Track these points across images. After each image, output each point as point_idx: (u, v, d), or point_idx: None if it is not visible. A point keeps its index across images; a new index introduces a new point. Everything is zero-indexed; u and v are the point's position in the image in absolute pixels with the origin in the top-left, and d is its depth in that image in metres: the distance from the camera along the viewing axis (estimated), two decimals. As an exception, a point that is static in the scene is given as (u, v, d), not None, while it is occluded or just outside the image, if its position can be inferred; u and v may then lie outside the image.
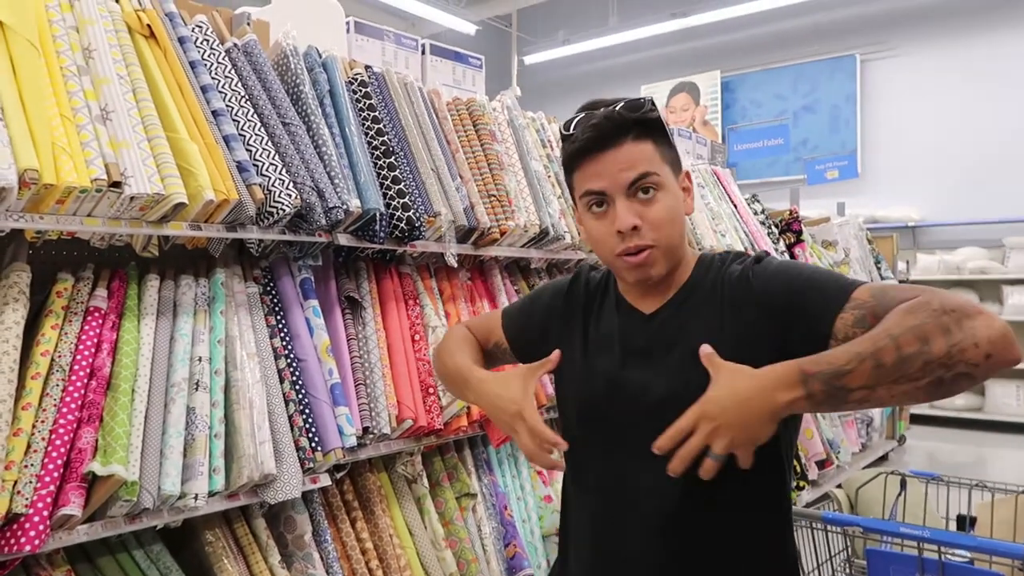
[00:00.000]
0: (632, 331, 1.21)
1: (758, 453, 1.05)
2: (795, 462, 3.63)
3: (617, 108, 1.13)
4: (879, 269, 5.51)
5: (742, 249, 3.66)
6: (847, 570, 1.77)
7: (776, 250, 4.07)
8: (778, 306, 1.09)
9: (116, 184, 1.51)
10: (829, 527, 1.67)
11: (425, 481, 2.28)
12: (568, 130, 1.17)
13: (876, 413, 5.17)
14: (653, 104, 1.16)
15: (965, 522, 1.98)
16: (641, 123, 1.14)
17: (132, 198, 1.53)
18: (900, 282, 6.16)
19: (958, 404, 6.97)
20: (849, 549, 1.76)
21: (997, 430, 6.66)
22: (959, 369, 0.91)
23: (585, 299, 1.31)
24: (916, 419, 6.63)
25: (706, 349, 1.06)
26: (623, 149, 1.13)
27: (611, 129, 1.13)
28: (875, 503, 1.96)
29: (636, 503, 1.15)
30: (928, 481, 2.00)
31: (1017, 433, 6.55)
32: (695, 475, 1.05)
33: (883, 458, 5.28)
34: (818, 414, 4.08)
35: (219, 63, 1.90)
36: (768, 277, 1.12)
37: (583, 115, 1.17)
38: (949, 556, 1.49)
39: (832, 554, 1.76)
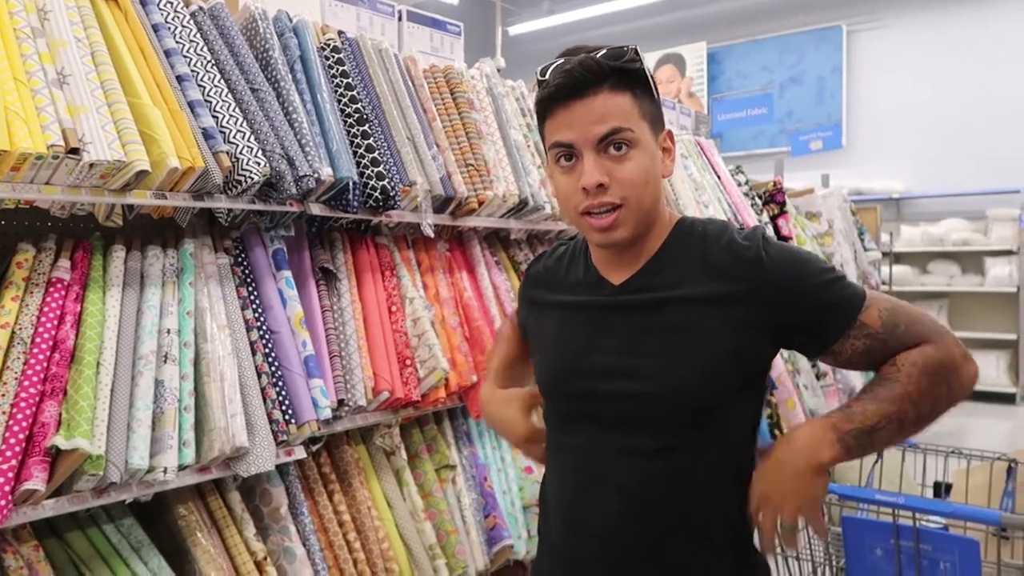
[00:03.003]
0: (599, 303, 1.16)
1: (726, 426, 1.11)
2: (777, 431, 3.65)
3: (597, 55, 1.05)
4: (862, 241, 5.51)
5: (725, 220, 3.64)
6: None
7: (760, 221, 4.06)
8: (784, 305, 1.07)
9: (74, 151, 1.45)
10: (805, 495, 1.66)
11: (404, 453, 2.26)
12: (543, 75, 1.08)
13: (857, 382, 5.20)
14: (637, 53, 1.07)
15: (941, 489, 1.99)
16: (621, 72, 1.05)
17: (92, 165, 1.48)
18: (884, 254, 6.18)
19: (939, 374, 7.03)
20: (825, 517, 1.76)
21: (977, 399, 6.74)
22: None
23: (547, 276, 1.29)
24: (898, 390, 6.68)
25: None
26: (597, 99, 1.04)
27: (585, 77, 1.04)
28: (851, 470, 1.97)
29: (603, 475, 1.13)
30: (905, 448, 2.01)
31: (995, 403, 6.63)
32: (662, 446, 1.09)
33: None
34: (800, 383, 4.10)
35: (183, 27, 1.84)
36: (781, 271, 1.07)
37: (560, 61, 1.08)
38: (924, 522, 1.49)
39: (807, 522, 1.76)
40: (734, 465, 1.14)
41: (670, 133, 1.14)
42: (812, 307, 1.07)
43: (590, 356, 1.14)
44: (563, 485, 1.20)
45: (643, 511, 1.11)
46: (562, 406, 1.20)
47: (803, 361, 4.19)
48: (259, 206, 1.85)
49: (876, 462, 1.94)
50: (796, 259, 1.08)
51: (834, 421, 1.04)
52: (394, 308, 2.22)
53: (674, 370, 1.07)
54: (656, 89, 1.12)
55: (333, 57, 2.18)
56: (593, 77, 1.04)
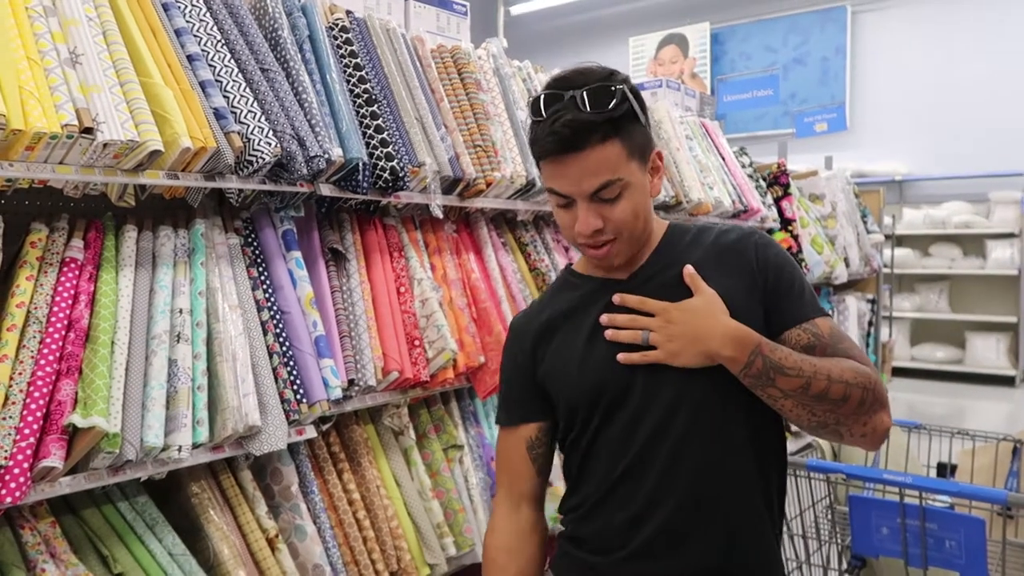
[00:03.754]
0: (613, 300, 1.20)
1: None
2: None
3: (583, 103, 1.07)
4: (865, 223, 5.51)
5: (730, 202, 3.64)
6: (829, 516, 1.80)
7: (764, 203, 4.06)
8: (761, 283, 1.16)
9: (88, 130, 1.46)
10: (812, 474, 1.68)
11: (412, 433, 2.28)
12: (536, 114, 1.11)
13: (859, 366, 5.22)
14: (623, 94, 1.09)
15: (946, 469, 2.01)
16: (607, 122, 1.08)
17: (105, 145, 1.48)
18: (886, 237, 6.19)
19: (939, 357, 7.07)
20: (832, 496, 1.78)
21: (977, 382, 6.78)
22: (841, 430, 1.10)
23: (541, 313, 1.29)
24: (898, 371, 6.73)
25: (689, 270, 1.15)
26: (587, 155, 1.08)
27: (574, 138, 1.07)
28: (858, 451, 1.98)
29: (650, 451, 1.15)
30: (910, 430, 2.03)
31: (996, 385, 6.66)
32: (716, 407, 1.13)
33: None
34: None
35: (193, 5, 1.83)
36: (768, 255, 1.18)
37: (547, 113, 1.09)
38: (930, 501, 1.51)
39: (815, 501, 1.79)
40: (773, 438, 1.19)
41: (659, 153, 1.19)
42: (785, 289, 1.16)
43: (624, 350, 1.16)
44: (616, 464, 1.18)
45: (708, 474, 1.13)
46: (608, 398, 1.19)
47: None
48: (270, 186, 1.85)
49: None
50: (785, 253, 1.21)
51: (764, 340, 1.09)
52: (402, 289, 2.23)
53: None
54: (644, 113, 1.14)
55: (341, 37, 2.18)
56: (582, 134, 1.07)
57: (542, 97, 1.11)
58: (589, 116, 1.06)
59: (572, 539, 1.25)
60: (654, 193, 1.19)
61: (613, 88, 1.08)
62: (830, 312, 4.97)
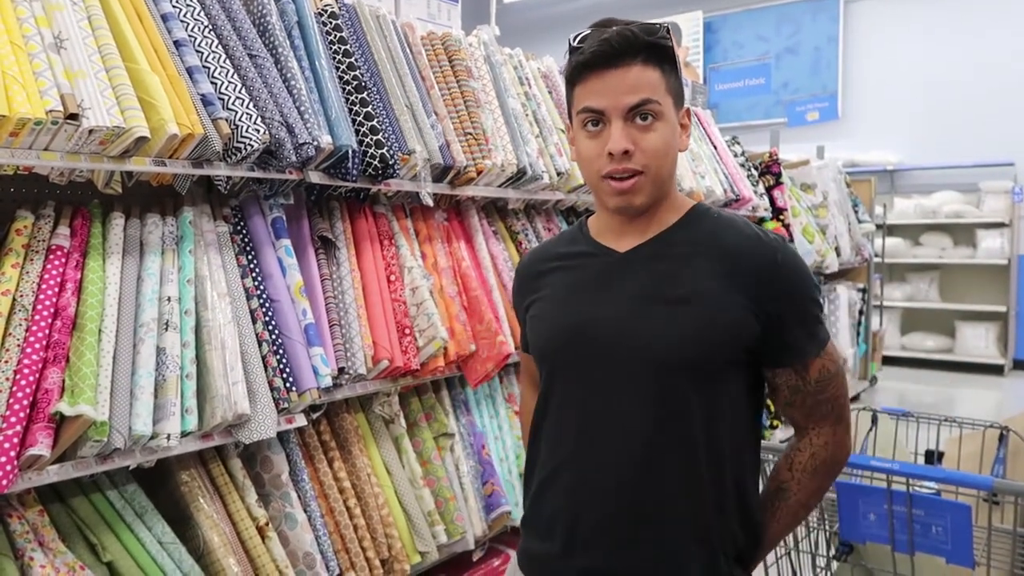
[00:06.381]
0: (605, 266, 1.18)
1: (723, 399, 1.12)
2: (769, 401, 3.70)
3: (631, 26, 1.10)
4: (856, 213, 5.53)
5: (721, 191, 3.64)
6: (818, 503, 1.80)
7: (756, 192, 4.06)
8: (776, 299, 1.10)
9: (73, 116, 1.44)
10: (801, 462, 1.68)
11: (403, 421, 2.28)
12: (577, 42, 1.12)
13: (849, 355, 5.26)
14: (668, 31, 1.12)
15: (933, 456, 2.02)
16: (653, 48, 1.09)
17: (91, 131, 1.47)
18: (877, 227, 6.20)
19: (929, 346, 7.10)
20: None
21: (966, 371, 6.82)
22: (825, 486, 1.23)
23: (544, 255, 1.29)
24: (888, 360, 6.77)
25: None
26: (630, 71, 1.08)
27: (622, 47, 1.08)
28: (846, 439, 1.99)
29: (604, 433, 1.13)
30: (898, 417, 2.04)
31: (985, 374, 6.70)
32: (660, 408, 1.10)
33: (855, 398, 5.39)
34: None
35: (180, -10, 1.81)
36: (788, 271, 1.11)
37: (595, 30, 1.12)
38: (917, 488, 1.52)
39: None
40: (731, 447, 1.14)
41: (688, 111, 1.18)
42: (793, 322, 1.11)
43: (595, 314, 1.15)
44: (562, 445, 1.18)
45: (641, 473, 1.11)
46: (563, 364, 1.18)
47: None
48: (258, 174, 1.84)
49: (870, 430, 1.97)
50: (803, 271, 1.13)
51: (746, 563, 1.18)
52: (393, 277, 2.22)
53: (675, 331, 1.09)
54: (680, 68, 1.16)
55: (331, 23, 2.16)
56: (629, 49, 1.08)
57: (587, 30, 1.13)
58: (637, 35, 1.09)
59: (523, 523, 1.26)
60: (682, 147, 1.16)
61: (659, 25, 1.12)
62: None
